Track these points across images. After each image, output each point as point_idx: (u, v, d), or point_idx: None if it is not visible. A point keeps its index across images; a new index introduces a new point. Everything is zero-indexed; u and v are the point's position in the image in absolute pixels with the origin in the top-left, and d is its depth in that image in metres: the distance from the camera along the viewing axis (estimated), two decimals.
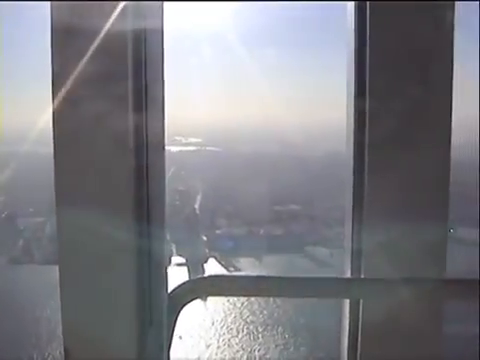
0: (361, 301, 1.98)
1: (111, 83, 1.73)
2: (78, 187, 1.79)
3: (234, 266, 7.94)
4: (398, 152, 1.86)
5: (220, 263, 7.92)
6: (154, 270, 1.93)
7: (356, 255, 2.00)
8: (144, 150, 1.83)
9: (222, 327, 4.02)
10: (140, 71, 1.78)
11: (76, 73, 1.65)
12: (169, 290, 1.75)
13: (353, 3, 1.86)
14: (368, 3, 1.79)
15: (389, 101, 1.82)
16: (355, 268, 2.01)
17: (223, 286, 1.76)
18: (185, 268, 7.56)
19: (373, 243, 1.91)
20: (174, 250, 7.69)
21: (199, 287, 1.73)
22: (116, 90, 1.74)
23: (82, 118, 1.73)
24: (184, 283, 1.69)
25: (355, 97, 1.88)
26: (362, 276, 1.96)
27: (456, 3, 1.78)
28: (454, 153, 1.89)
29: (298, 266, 7.63)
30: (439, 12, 1.77)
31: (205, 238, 8.12)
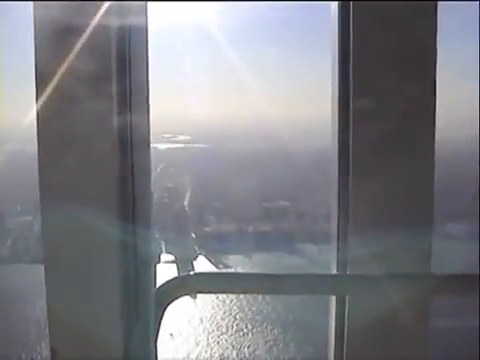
0: (347, 298, 1.99)
1: (95, 81, 1.73)
2: (62, 186, 1.79)
3: (223, 263, 7.93)
4: (383, 152, 1.88)
5: (209, 260, 7.90)
6: (141, 267, 1.94)
7: (342, 253, 2.01)
8: (129, 148, 1.84)
9: (211, 324, 4.04)
10: (124, 69, 1.79)
11: (60, 72, 1.65)
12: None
13: (336, 3, 1.87)
14: (351, 3, 1.80)
15: (373, 101, 1.83)
16: (341, 265, 2.02)
17: (211, 283, 1.77)
18: (174, 265, 7.56)
19: (358, 241, 1.92)
20: (163, 248, 7.68)
21: (186, 284, 1.74)
22: (100, 89, 1.74)
23: (66, 117, 1.74)
24: (171, 280, 1.70)
25: (339, 98, 1.89)
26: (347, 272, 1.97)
27: (442, 3, 1.80)
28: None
29: (287, 263, 7.64)
30: (422, 12, 1.78)
31: (194, 235, 8.11)
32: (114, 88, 1.74)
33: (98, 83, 1.72)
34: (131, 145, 1.83)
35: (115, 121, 1.75)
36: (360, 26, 1.79)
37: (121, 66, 1.75)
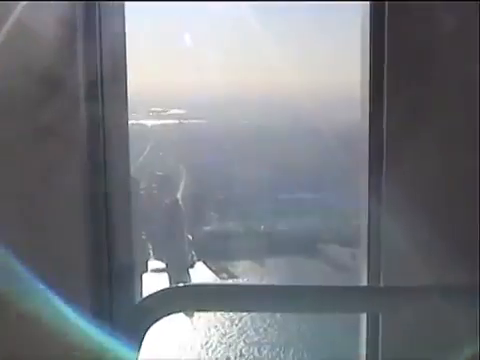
0: (381, 316, 2.01)
1: (57, 48, 1.74)
2: (19, 184, 1.82)
3: (228, 272, 7.91)
4: (422, 140, 1.89)
5: (210, 268, 7.89)
6: (118, 277, 1.95)
7: (374, 258, 2.02)
8: (100, 127, 1.85)
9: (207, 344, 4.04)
10: (94, 34, 1.79)
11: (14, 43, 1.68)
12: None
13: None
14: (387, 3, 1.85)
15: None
16: (373, 274, 2.03)
17: (207, 298, 1.76)
18: (165, 275, 7.56)
19: (393, 242, 1.93)
20: (151, 252, 7.67)
21: (175, 299, 1.74)
22: (62, 58, 1.75)
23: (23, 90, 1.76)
24: (155, 293, 1.70)
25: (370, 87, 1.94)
26: (381, 284, 1.99)
27: None
28: None
29: (309, 271, 7.63)
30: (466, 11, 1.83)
31: (190, 237, 8.10)
32: (79, 55, 1.75)
33: (60, 50, 1.73)
34: (103, 123, 1.84)
35: (81, 92, 1.76)
36: (396, 26, 1.85)
37: (89, 30, 1.77)
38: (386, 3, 1.88)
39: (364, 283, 2.08)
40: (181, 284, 1.72)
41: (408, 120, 1.88)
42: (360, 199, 2.12)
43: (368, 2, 1.99)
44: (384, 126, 1.90)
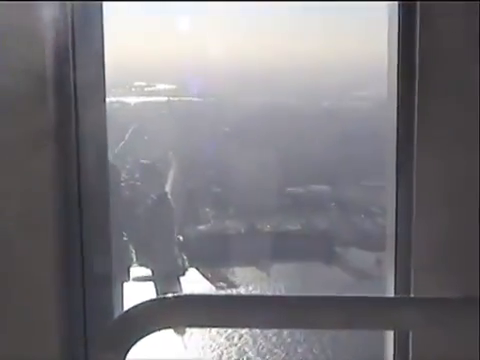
0: (411, 334, 2.02)
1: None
2: None
3: (227, 281, 7.93)
4: (460, 125, 1.90)
5: (205, 277, 7.92)
6: (92, 287, 1.97)
7: (402, 264, 2.03)
8: (72, 106, 1.85)
9: None
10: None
11: None
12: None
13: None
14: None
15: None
16: (401, 282, 2.04)
17: (200, 312, 1.77)
18: (151, 284, 7.59)
19: (426, 246, 1.93)
20: (134, 257, 7.70)
21: (161, 312, 1.74)
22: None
23: None
24: (138, 306, 1.70)
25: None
26: (411, 294, 1.99)
27: None
28: None
29: (325, 280, 7.66)
30: None
31: (181, 238, 8.11)
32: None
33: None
34: (75, 101, 1.84)
35: (48, 63, 1.76)
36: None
37: None
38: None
39: (391, 294, 2.08)
40: (170, 295, 1.71)
41: (444, 102, 1.89)
42: (386, 194, 2.13)
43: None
44: (415, 108, 1.91)
